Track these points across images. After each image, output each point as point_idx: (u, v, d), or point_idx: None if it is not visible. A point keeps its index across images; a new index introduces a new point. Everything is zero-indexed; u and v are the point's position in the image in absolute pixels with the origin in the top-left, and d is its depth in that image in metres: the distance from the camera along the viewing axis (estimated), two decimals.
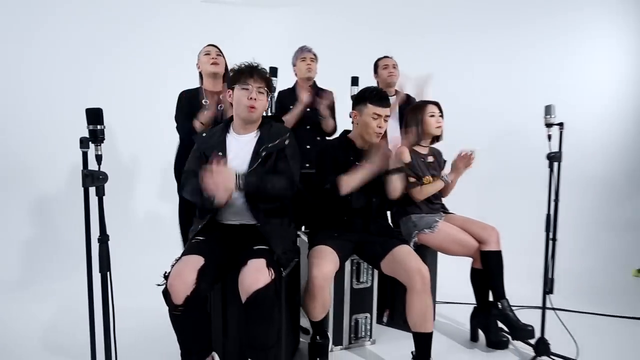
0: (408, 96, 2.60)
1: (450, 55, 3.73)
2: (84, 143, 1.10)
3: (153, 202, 3.52)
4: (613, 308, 2.43)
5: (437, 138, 2.18)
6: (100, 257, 1.14)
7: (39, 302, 2.43)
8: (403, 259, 1.67)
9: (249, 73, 1.58)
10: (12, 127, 3.05)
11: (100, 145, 1.15)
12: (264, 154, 1.59)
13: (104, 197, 1.14)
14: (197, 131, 1.98)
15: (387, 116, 1.80)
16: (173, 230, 2.24)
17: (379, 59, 2.68)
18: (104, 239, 1.15)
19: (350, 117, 1.90)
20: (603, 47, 3.59)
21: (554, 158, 1.75)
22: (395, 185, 1.80)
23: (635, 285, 2.92)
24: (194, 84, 2.31)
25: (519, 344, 2.00)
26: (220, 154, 1.60)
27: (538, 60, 3.66)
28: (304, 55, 2.50)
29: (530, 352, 1.85)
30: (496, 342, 1.98)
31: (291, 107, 2.45)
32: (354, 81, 2.53)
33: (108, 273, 1.16)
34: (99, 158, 1.15)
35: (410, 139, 2.06)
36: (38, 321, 2.20)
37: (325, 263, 1.66)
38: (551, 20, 3.63)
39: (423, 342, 1.65)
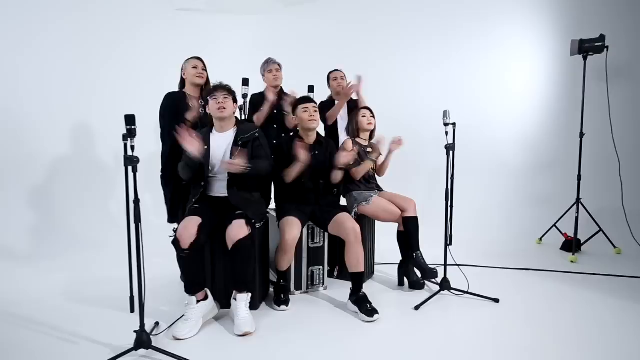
0: (355, 101, 3.26)
1: (394, 62, 4.52)
2: (124, 137, 1.69)
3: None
4: (505, 263, 3.24)
5: (372, 133, 2.87)
6: (135, 214, 1.73)
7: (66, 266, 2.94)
8: (343, 222, 2.35)
9: (214, 89, 2.22)
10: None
11: (133, 139, 1.73)
12: (240, 142, 2.21)
13: (137, 174, 1.73)
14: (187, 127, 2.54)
15: (315, 108, 2.48)
16: None
17: (330, 72, 3.28)
18: (137, 200, 1.73)
19: (294, 122, 2.56)
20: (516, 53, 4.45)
21: (449, 148, 2.47)
22: (337, 176, 2.52)
23: (531, 250, 3.74)
24: (171, 87, 2.66)
25: (431, 285, 2.72)
26: (205, 147, 2.20)
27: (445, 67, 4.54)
28: (270, 67, 3.07)
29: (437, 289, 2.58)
30: (414, 284, 2.69)
31: (261, 108, 3.05)
32: (310, 89, 3.16)
33: (140, 225, 1.75)
34: (132, 148, 1.74)
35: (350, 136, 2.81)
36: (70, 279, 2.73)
37: (292, 229, 2.30)
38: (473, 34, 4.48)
39: (357, 279, 2.33)
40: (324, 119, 3.25)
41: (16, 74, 3.47)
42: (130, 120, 1.72)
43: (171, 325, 2.09)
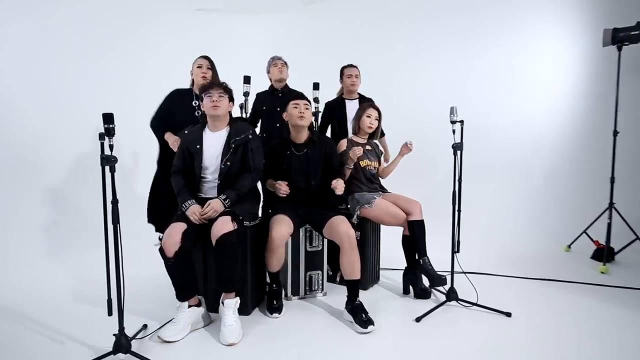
0: (367, 98, 3.13)
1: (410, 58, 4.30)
2: (101, 136, 1.64)
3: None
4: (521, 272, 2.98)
5: (371, 135, 2.71)
6: (113, 215, 1.68)
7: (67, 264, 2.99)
8: (336, 226, 2.21)
9: (209, 86, 2.14)
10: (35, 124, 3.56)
11: (112, 138, 1.68)
12: (233, 145, 2.13)
13: (115, 174, 1.68)
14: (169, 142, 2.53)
15: (306, 105, 2.36)
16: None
17: (344, 67, 3.16)
18: (115, 201, 1.68)
19: (285, 119, 2.43)
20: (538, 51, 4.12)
21: (456, 147, 2.28)
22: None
23: (556, 258, 3.44)
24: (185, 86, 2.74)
25: (439, 295, 2.54)
26: (198, 146, 2.14)
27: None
28: (275, 62, 3.01)
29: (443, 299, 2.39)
30: (421, 294, 2.51)
31: (264, 107, 2.98)
32: (315, 86, 3.05)
33: (118, 226, 1.70)
34: (111, 147, 1.69)
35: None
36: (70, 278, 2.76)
37: (280, 227, 2.19)
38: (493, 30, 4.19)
39: (352, 287, 2.19)
40: (330, 120, 3.14)
41: (34, 74, 3.55)
42: (108, 118, 1.68)
43: (158, 328, 2.04)
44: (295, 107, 2.35)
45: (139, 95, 4.00)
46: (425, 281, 2.49)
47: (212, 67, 2.68)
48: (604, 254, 3.08)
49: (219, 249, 1.94)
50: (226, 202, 2.07)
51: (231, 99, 2.19)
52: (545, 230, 3.81)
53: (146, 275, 2.68)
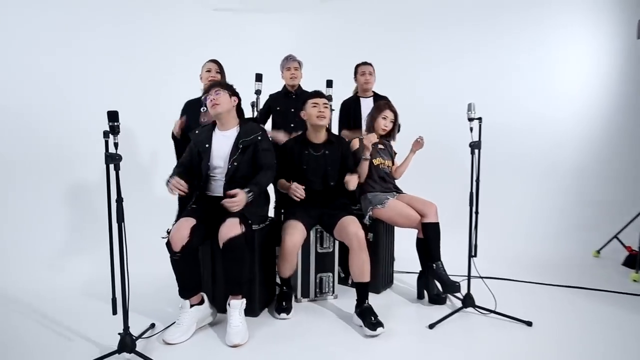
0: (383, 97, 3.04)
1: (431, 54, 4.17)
2: (105, 134, 1.63)
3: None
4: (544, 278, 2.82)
5: (386, 136, 2.62)
6: (118, 213, 1.67)
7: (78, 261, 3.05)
8: (346, 226, 2.14)
9: (208, 88, 2.13)
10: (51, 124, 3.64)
11: (117, 136, 1.67)
12: (241, 146, 2.09)
13: (119, 172, 1.67)
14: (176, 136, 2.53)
15: (325, 104, 2.29)
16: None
17: (358, 65, 3.09)
18: (119, 199, 1.67)
19: (303, 118, 2.37)
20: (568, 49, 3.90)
21: (474, 146, 2.16)
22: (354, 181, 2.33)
23: (584, 264, 3.25)
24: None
25: (454, 300, 2.43)
26: (207, 145, 2.11)
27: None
28: (289, 65, 2.94)
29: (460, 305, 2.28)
30: (436, 299, 2.41)
31: (278, 108, 2.93)
32: (329, 83, 2.98)
33: (123, 224, 1.69)
34: (116, 145, 1.68)
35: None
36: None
37: (294, 233, 2.13)
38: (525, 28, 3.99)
39: (361, 289, 2.11)
40: (346, 120, 3.07)
41: (56, 74, 3.63)
42: (112, 116, 1.67)
43: (165, 328, 2.02)
44: (315, 106, 2.29)
45: (157, 95, 4.05)
46: (439, 286, 2.38)
47: (220, 70, 2.67)
48: (636, 260, 2.87)
49: (226, 252, 1.91)
50: (249, 195, 2.01)
51: (233, 94, 2.15)
52: (572, 233, 3.61)
53: (159, 273, 2.67)
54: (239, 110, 2.21)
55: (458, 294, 2.34)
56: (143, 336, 1.94)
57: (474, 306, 2.22)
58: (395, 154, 2.65)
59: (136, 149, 4.03)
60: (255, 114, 2.82)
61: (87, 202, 3.68)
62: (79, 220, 3.55)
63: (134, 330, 1.95)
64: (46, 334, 2.02)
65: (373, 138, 2.37)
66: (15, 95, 3.31)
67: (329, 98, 2.94)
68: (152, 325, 2.08)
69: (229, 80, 2.80)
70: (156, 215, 2.83)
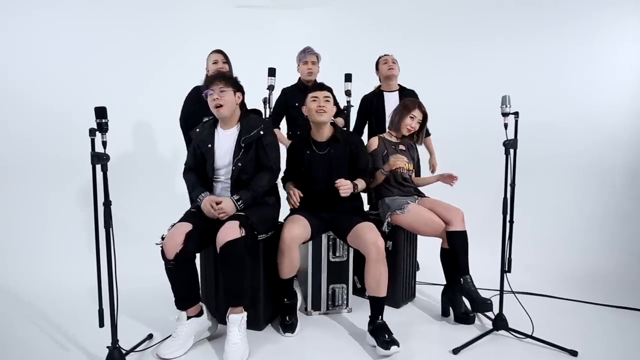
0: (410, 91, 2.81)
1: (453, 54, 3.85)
2: (92, 132, 1.50)
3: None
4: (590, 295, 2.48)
5: (412, 136, 2.37)
6: (105, 217, 1.54)
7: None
8: (363, 233, 1.91)
9: (210, 81, 1.92)
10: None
11: (105, 134, 1.55)
12: (243, 145, 1.92)
13: (107, 173, 1.54)
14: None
15: (326, 97, 2.07)
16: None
17: (380, 57, 2.89)
18: (107, 203, 1.54)
19: (305, 113, 2.16)
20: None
21: (509, 145, 1.88)
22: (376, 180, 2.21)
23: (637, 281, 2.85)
24: None
25: (484, 320, 2.15)
26: (210, 145, 1.96)
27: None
28: (306, 58, 2.76)
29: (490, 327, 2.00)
30: (463, 318, 2.14)
31: (297, 104, 2.74)
32: (348, 77, 2.76)
33: (111, 229, 1.56)
34: (104, 144, 1.55)
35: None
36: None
37: (294, 226, 1.94)
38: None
39: (376, 305, 1.89)
40: (366, 116, 2.85)
41: (78, 74, 3.63)
42: (100, 113, 1.54)
43: (160, 341, 1.88)
44: (314, 101, 2.07)
45: (181, 94, 3.98)
46: (467, 303, 2.11)
47: (227, 61, 2.57)
48: None
49: (223, 257, 1.74)
50: (239, 203, 1.86)
51: (238, 89, 1.97)
52: (626, 246, 3.19)
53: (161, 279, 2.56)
54: (242, 105, 2.04)
55: (489, 313, 2.07)
56: (137, 349, 1.81)
57: (507, 329, 1.93)
58: (418, 157, 2.40)
59: (155, 145, 3.99)
60: (268, 111, 2.64)
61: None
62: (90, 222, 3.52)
63: (132, 340, 1.84)
64: (43, 341, 1.93)
65: (401, 162, 2.11)
66: (35, 94, 3.30)
67: (348, 93, 2.73)
68: (150, 336, 1.95)
69: (237, 73, 2.69)
70: (169, 215, 2.72)
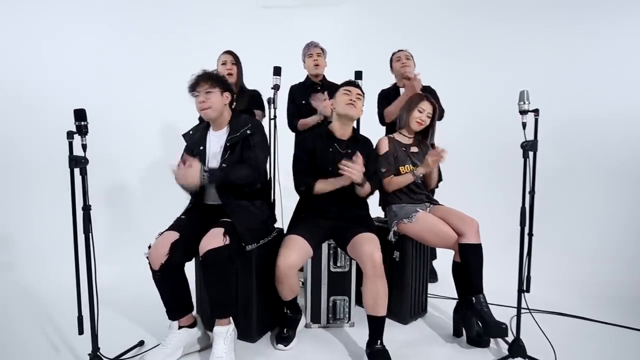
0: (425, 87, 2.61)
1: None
2: (69, 134, 1.47)
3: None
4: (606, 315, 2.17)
5: (423, 134, 2.18)
6: (84, 222, 1.50)
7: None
8: (361, 244, 1.75)
9: (195, 82, 1.81)
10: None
11: (84, 137, 1.51)
12: (228, 144, 1.82)
13: (86, 177, 1.50)
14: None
15: (359, 95, 1.95)
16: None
17: (393, 53, 2.72)
18: (86, 207, 1.50)
19: (331, 107, 2.03)
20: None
21: (528, 147, 1.65)
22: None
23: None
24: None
25: (501, 342, 1.91)
26: (202, 148, 1.89)
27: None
28: (310, 51, 2.65)
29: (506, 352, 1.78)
30: (476, 340, 1.92)
31: (304, 101, 2.63)
32: (358, 75, 2.60)
33: (90, 235, 1.52)
34: (84, 147, 1.51)
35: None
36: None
37: (290, 253, 1.77)
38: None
39: (375, 325, 1.72)
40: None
41: (103, 74, 3.70)
42: (80, 115, 1.50)
43: (149, 349, 1.83)
44: (346, 94, 1.94)
45: None
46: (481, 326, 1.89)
47: (236, 62, 2.49)
48: None
49: (205, 266, 1.65)
50: (204, 175, 1.70)
51: (226, 89, 1.86)
52: None
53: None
54: (232, 104, 1.94)
55: (505, 338, 1.84)
56: (123, 356, 1.76)
57: (525, 356, 1.70)
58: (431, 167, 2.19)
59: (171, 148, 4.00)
60: (273, 112, 2.54)
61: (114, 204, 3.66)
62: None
63: (126, 345, 1.80)
64: (38, 341, 1.94)
65: (444, 154, 1.96)
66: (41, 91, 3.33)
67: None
68: (141, 343, 1.91)
69: (247, 73, 2.63)
70: (169, 215, 2.70)
